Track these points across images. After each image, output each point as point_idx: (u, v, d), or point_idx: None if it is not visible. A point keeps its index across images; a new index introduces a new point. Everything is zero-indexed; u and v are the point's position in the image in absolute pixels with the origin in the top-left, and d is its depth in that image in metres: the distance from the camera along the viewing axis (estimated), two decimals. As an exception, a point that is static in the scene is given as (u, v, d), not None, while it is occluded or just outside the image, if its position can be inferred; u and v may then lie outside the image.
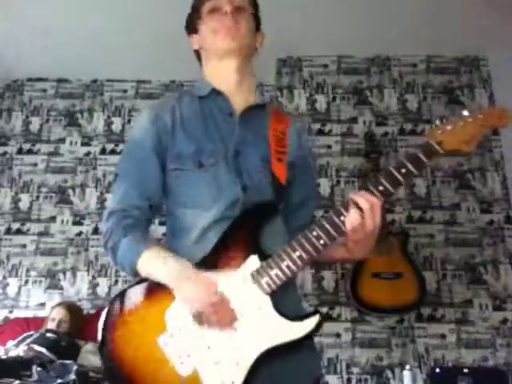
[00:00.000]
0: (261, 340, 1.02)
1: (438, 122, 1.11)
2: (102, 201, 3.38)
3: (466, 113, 1.10)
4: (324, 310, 2.92)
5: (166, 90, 3.60)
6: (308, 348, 1.15)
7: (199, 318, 1.02)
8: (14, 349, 2.46)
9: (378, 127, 3.35)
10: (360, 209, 1.05)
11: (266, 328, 1.03)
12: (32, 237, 3.30)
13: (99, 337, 1.06)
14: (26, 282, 3.21)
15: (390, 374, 2.82)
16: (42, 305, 3.13)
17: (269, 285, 1.05)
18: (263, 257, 1.08)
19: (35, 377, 2.16)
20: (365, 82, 3.48)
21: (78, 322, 2.79)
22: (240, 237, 1.11)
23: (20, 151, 3.53)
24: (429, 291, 2.86)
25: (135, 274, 1.11)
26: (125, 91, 3.65)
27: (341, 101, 3.44)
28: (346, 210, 1.07)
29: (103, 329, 1.06)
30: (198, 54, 1.37)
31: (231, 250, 1.09)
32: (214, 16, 1.27)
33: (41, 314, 3.02)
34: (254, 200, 1.15)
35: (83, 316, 2.91)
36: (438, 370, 2.68)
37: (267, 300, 1.04)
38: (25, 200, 3.40)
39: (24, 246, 3.28)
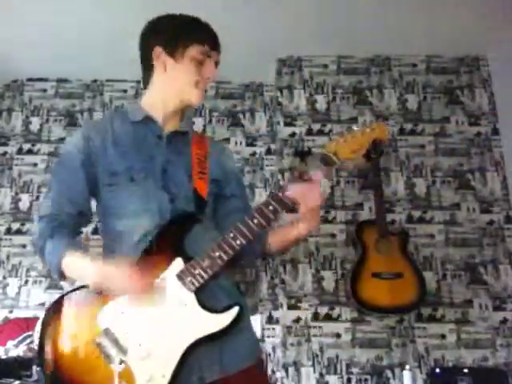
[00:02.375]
0: (187, 334, 1.14)
1: (335, 137, 1.32)
2: (101, 201, 3.37)
3: (355, 127, 1.31)
4: (324, 309, 2.92)
5: (166, 90, 3.60)
6: (236, 334, 1.22)
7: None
8: (14, 349, 2.46)
9: (378, 127, 3.35)
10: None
11: (191, 323, 1.15)
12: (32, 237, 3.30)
13: (36, 344, 1.20)
14: (26, 282, 3.20)
15: (389, 374, 2.82)
16: (42, 305, 3.13)
17: (193, 283, 1.18)
18: (187, 259, 1.21)
19: (35, 377, 2.16)
20: (365, 81, 3.48)
21: (78, 322, 2.79)
22: (166, 243, 1.23)
23: (20, 151, 3.53)
24: (429, 291, 2.86)
25: (60, 274, 1.26)
26: (125, 91, 3.65)
27: (341, 101, 3.44)
28: (255, 216, 1.24)
29: (40, 336, 1.19)
30: (149, 63, 1.47)
31: (159, 254, 1.22)
32: (202, 70, 1.38)
33: (41, 314, 3.01)
34: (179, 210, 1.30)
35: (83, 316, 2.91)
36: (438, 370, 2.68)
37: (192, 297, 1.17)
38: (25, 200, 3.40)
39: (24, 246, 3.28)
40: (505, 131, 3.29)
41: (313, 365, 2.84)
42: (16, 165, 3.49)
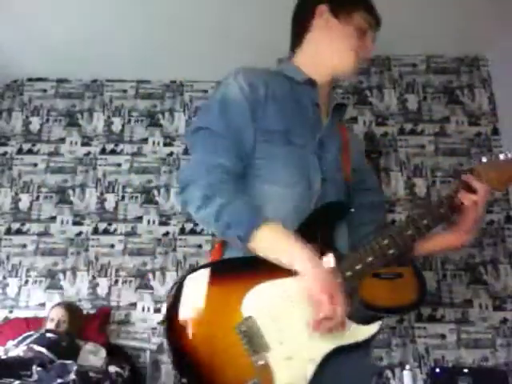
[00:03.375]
0: (330, 339, 1.03)
1: (484, 160, 1.16)
2: (101, 201, 3.37)
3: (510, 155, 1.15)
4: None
5: (166, 90, 3.60)
6: (368, 347, 1.18)
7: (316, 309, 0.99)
8: (14, 349, 2.46)
9: (377, 127, 3.35)
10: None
11: None
12: (32, 237, 3.30)
13: (165, 319, 1.02)
14: (26, 282, 3.20)
15: (389, 374, 2.82)
16: (42, 305, 3.13)
17: (343, 286, 1.03)
18: (337, 257, 1.07)
19: (35, 377, 2.16)
20: (365, 81, 3.48)
21: (77, 322, 2.79)
22: (317, 229, 1.09)
23: (20, 151, 3.53)
24: (429, 291, 2.86)
25: (243, 241, 1.03)
26: (125, 91, 3.65)
27: (341, 101, 3.44)
28: (410, 226, 1.11)
29: (172, 312, 1.03)
30: (306, 23, 1.38)
31: (307, 240, 1.03)
32: (364, 38, 1.32)
33: (41, 314, 3.02)
34: (328, 195, 1.15)
35: (82, 316, 2.91)
36: (438, 370, 2.68)
37: None
38: (25, 200, 3.40)
39: (24, 245, 3.28)
40: (505, 131, 3.30)
41: (313, 365, 2.84)
42: (16, 165, 3.49)
